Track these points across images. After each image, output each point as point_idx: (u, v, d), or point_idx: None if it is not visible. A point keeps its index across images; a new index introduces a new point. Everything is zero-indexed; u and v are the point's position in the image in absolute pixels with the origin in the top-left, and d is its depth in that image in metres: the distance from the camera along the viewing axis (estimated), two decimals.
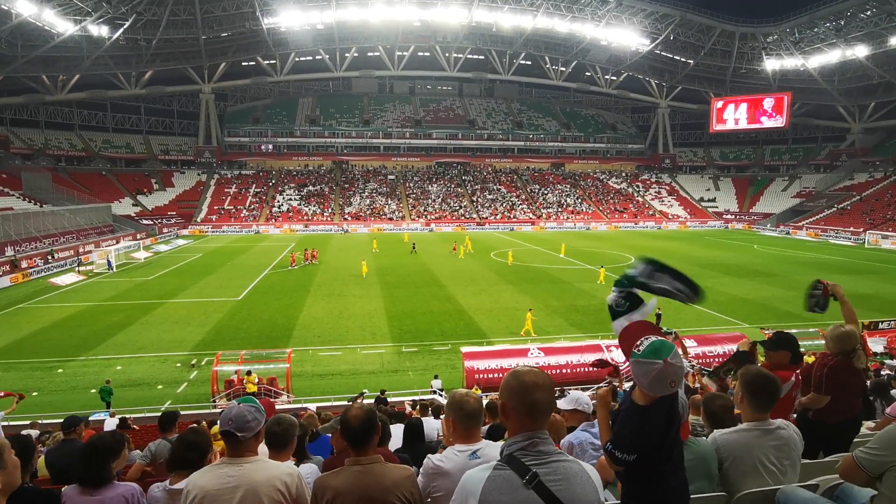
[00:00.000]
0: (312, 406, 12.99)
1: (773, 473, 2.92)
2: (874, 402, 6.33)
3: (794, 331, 19.52)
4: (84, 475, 3.22)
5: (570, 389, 9.95)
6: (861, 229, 58.38)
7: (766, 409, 3.06)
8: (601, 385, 4.14)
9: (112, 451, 3.40)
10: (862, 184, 72.00)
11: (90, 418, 12.96)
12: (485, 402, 7.68)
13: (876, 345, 19.44)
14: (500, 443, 2.91)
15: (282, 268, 39.17)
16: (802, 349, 4.99)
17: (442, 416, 8.85)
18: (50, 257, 39.80)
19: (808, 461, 3.51)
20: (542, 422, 2.11)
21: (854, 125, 77.93)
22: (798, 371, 3.99)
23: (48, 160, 67.03)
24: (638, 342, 2.41)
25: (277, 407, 14.11)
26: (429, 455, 3.00)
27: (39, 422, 12.81)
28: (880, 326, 22.13)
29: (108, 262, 39.26)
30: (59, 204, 52.75)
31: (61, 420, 12.90)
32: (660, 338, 2.42)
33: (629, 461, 2.40)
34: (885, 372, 12.27)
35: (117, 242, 46.56)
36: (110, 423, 12.49)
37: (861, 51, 64.91)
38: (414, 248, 47.33)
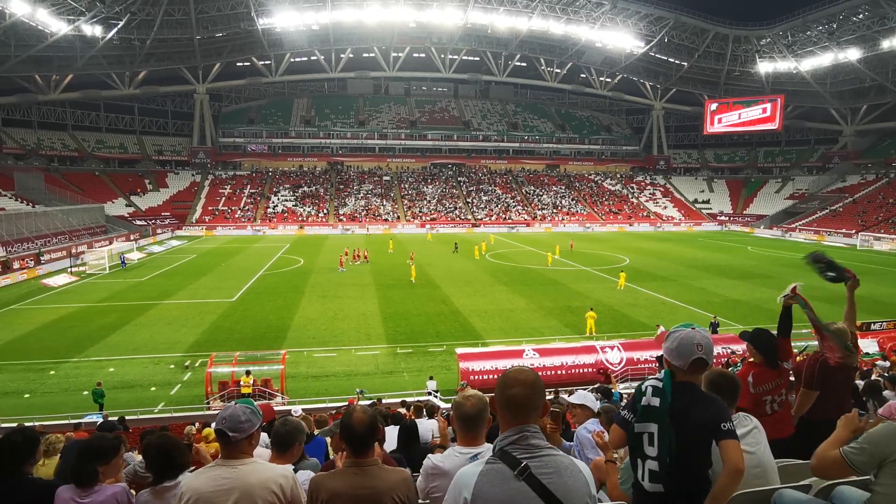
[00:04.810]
0: (298, 409, 12.89)
1: (751, 455, 2.96)
2: (867, 402, 6.37)
3: None
4: (75, 474, 3.19)
5: (577, 389, 9.96)
6: (853, 231, 58.82)
7: (730, 406, 3.14)
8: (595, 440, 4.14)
9: (106, 453, 3.36)
10: (854, 186, 72.57)
11: (82, 420, 12.89)
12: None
13: (869, 346, 19.57)
14: None
15: (276, 269, 39.05)
16: (796, 349, 5.00)
17: (438, 417, 8.84)
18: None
19: (802, 461, 3.52)
20: (522, 416, 2.14)
21: (846, 128, 78.50)
22: (752, 367, 4.08)
23: (41, 160, 66.58)
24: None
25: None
26: (429, 455, 2.99)
27: (26, 424, 12.69)
28: (872, 328, 22.32)
29: (122, 259, 40.64)
30: (52, 204, 52.43)
31: (52, 423, 12.81)
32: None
33: (629, 420, 2.70)
34: (875, 375, 12.33)
35: (110, 243, 46.32)
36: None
37: (853, 54, 65.40)
38: (456, 247, 48.27)
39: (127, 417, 13.32)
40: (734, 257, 45.68)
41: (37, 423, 12.31)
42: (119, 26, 60.12)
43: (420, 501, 2.82)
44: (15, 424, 12.74)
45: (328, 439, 5.95)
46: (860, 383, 6.99)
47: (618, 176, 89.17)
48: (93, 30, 59.08)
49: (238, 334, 23.12)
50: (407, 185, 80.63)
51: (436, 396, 15.81)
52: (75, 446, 5.28)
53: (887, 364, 15.36)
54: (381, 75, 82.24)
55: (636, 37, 72.68)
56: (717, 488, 2.51)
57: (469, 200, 77.67)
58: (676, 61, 78.55)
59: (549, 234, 64.47)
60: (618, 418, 2.81)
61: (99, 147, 75.56)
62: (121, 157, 76.85)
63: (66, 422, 12.83)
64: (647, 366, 17.88)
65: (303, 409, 12.25)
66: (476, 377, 16.85)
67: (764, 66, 75.34)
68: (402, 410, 10.68)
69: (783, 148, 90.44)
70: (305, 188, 76.64)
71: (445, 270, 38.12)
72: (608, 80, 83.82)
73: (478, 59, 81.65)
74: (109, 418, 13.04)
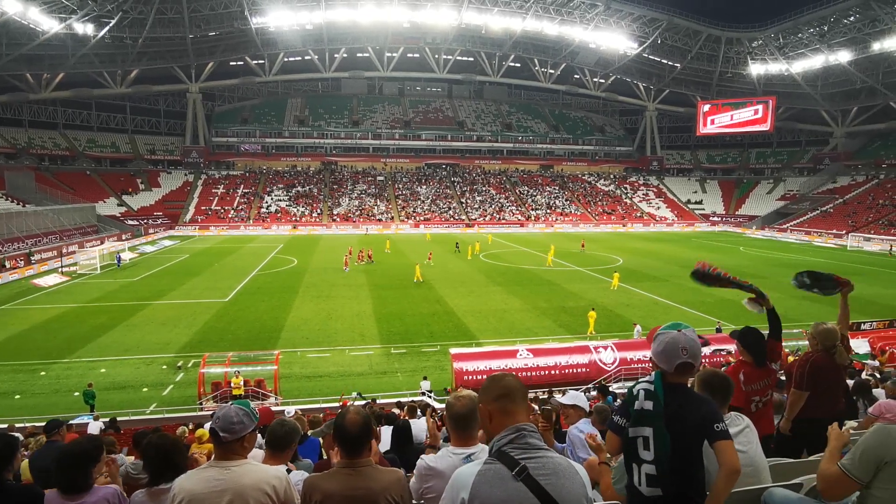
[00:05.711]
0: (292, 409, 12.87)
1: (743, 454, 2.98)
2: (857, 401, 6.42)
3: None
4: (60, 482, 3.16)
5: (569, 390, 10.04)
6: (844, 231, 59.32)
7: (723, 405, 3.17)
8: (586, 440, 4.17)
9: (89, 457, 3.31)
10: (844, 187, 73.19)
11: (73, 422, 12.78)
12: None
13: (860, 346, 19.72)
14: None
15: (270, 269, 38.92)
16: (787, 350, 5.03)
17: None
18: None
19: (793, 460, 3.55)
20: (520, 406, 2.18)
21: (837, 129, 79.17)
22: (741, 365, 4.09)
23: (31, 159, 66.00)
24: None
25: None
26: (422, 456, 2.99)
27: (17, 425, 12.60)
28: (862, 327, 22.51)
29: (118, 258, 40.54)
30: (43, 204, 52.01)
31: (43, 424, 12.69)
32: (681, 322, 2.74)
33: (622, 426, 2.69)
34: (865, 374, 12.44)
35: (102, 243, 46.02)
36: (94, 427, 12.34)
37: (844, 56, 65.97)
38: (457, 247, 48.74)
39: (119, 418, 13.25)
40: (727, 257, 45.89)
41: (27, 424, 12.22)
42: (111, 25, 59.71)
43: (414, 502, 2.81)
44: (5, 426, 12.65)
45: (321, 440, 5.94)
46: (850, 382, 7.04)
47: (611, 176, 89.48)
48: (84, 28, 58.64)
49: (231, 335, 23.00)
50: (401, 186, 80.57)
51: (429, 397, 15.81)
52: (51, 453, 5.21)
53: (876, 363, 15.50)
54: (376, 75, 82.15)
55: (629, 38, 72.99)
56: (716, 490, 2.53)
57: (463, 201, 77.68)
58: (669, 62, 78.94)
59: (543, 235, 64.59)
60: (611, 424, 2.80)
61: (90, 146, 74.97)
62: (112, 157, 76.27)
63: None
64: (640, 366, 17.96)
65: (297, 410, 12.22)
66: (470, 377, 16.85)
67: (756, 68, 75.89)
68: (397, 411, 10.68)
69: (775, 149, 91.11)
70: (299, 188, 76.42)
71: (441, 270, 38.11)
72: (602, 80, 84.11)
73: (472, 59, 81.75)
74: (58, 419, 12.96)
